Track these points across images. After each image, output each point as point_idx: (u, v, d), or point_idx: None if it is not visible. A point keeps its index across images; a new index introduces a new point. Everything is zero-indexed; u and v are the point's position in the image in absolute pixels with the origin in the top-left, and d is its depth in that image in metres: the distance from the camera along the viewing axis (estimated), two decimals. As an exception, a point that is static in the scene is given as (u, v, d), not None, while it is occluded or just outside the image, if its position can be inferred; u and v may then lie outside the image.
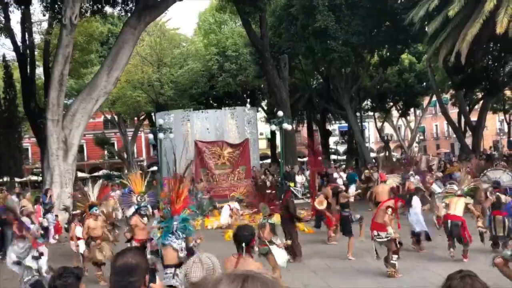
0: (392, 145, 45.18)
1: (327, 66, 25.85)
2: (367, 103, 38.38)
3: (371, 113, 42.15)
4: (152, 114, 32.50)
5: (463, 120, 30.01)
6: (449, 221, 8.94)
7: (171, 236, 6.05)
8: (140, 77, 30.85)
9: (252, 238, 4.11)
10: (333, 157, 41.77)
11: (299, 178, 21.00)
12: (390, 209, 8.01)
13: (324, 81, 32.13)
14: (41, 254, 7.42)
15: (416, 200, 10.29)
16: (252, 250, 4.16)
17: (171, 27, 33.32)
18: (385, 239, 8.07)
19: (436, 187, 11.93)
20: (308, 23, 23.45)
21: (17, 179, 26.19)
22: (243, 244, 3.95)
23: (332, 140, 45.56)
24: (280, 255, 7.31)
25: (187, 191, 6.65)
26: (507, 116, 36.61)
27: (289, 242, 8.31)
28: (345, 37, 23.16)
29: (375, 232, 8.19)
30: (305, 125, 39.95)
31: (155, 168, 37.08)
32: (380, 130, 43.69)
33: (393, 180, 12.33)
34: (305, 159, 35.38)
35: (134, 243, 7.60)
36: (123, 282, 2.33)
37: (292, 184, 20.90)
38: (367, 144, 35.20)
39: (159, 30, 31.50)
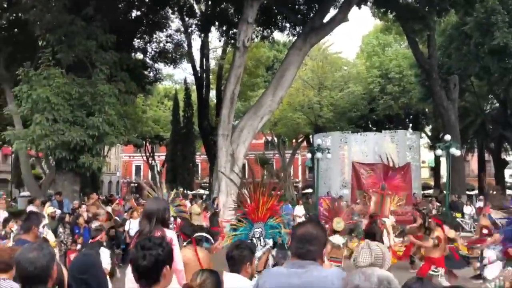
0: None
1: (504, 87, 23.27)
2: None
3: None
4: (310, 136, 33.16)
5: None
6: None
7: None
8: (301, 99, 31.85)
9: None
10: (509, 192, 36.96)
11: (468, 209, 19.03)
12: None
13: (500, 105, 28.96)
14: None
15: None
16: None
17: (333, 51, 33.83)
18: None
19: None
20: (483, 41, 21.53)
21: (188, 192, 29.18)
22: None
23: (508, 172, 40.44)
24: None
25: (276, 200, 6.17)
26: None
27: None
28: (528, 55, 20.65)
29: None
30: (476, 154, 36.28)
31: (309, 190, 37.57)
32: None
33: None
34: (474, 192, 32.04)
35: None
36: (303, 250, 2.36)
37: (459, 215, 19.09)
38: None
39: (321, 54, 32.24)
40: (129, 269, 3.24)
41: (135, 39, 21.23)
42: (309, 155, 22.04)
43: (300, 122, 32.53)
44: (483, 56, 22.01)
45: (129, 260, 2.52)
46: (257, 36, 20.47)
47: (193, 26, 23.80)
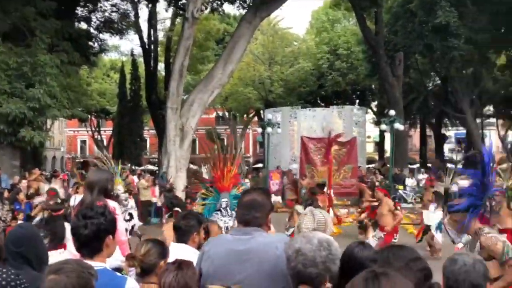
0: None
1: (446, 65, 24.24)
2: (490, 108, 35.28)
3: (493, 120, 38.67)
4: (261, 111, 33.31)
5: None
6: None
7: (218, 213, 5.80)
8: (251, 74, 31.79)
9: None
10: (448, 165, 39.06)
11: (410, 181, 19.95)
12: None
13: (441, 82, 30.23)
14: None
15: None
16: None
17: (284, 26, 33.85)
18: None
19: None
20: (427, 20, 22.23)
21: (136, 167, 28.58)
22: None
23: (447, 147, 42.64)
24: None
25: (236, 170, 6.27)
26: None
27: None
28: (468, 34, 21.56)
29: None
30: (418, 129, 37.91)
31: (260, 165, 37.94)
32: (503, 139, 39.85)
33: None
34: (416, 165, 33.59)
35: None
36: (248, 216, 2.37)
37: (401, 187, 19.99)
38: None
39: (272, 28, 32.16)
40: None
41: (78, 8, 20.19)
42: (260, 130, 22.11)
43: (251, 97, 32.55)
44: (427, 34, 22.75)
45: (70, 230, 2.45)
46: (206, 8, 20.03)
47: (140, -5, 22.94)
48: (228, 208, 5.57)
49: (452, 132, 43.42)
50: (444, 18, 21.24)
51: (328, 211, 11.68)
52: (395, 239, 8.78)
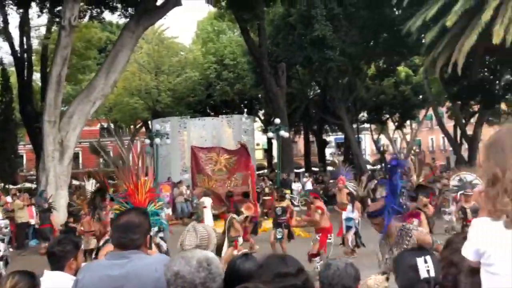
0: (388, 157, 45.17)
1: (324, 76, 25.98)
2: (364, 114, 38.49)
3: (367, 125, 42.23)
4: (149, 122, 32.48)
5: (459, 133, 30.12)
6: None
7: None
8: (137, 84, 30.89)
9: None
10: (329, 168, 41.75)
11: (296, 186, 20.92)
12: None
13: (321, 91, 32.25)
14: None
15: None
16: None
17: (169, 35, 33.47)
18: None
19: None
20: (306, 33, 23.59)
21: (11, 186, 25.87)
22: None
23: (328, 151, 45.55)
24: None
25: (150, 185, 6.15)
26: (503, 129, 36.74)
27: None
28: (342, 46, 23.33)
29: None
30: (302, 136, 39.99)
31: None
32: (376, 142, 43.75)
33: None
34: (302, 170, 35.36)
35: None
36: (125, 239, 2.28)
37: (288, 191, 20.86)
38: (363, 156, 35.24)
39: (157, 38, 31.63)
40: None
41: None
42: (148, 141, 21.53)
43: (138, 107, 31.60)
44: (306, 46, 24.12)
45: None
46: (84, 16, 19.02)
47: (9, -1, 20.97)
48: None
49: (332, 137, 46.59)
50: (320, 32, 22.72)
51: (255, 219, 11.90)
52: (329, 239, 9.13)
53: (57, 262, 3.15)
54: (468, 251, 1.70)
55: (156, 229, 5.62)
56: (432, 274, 2.25)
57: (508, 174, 1.58)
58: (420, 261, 2.28)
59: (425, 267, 2.26)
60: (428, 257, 2.30)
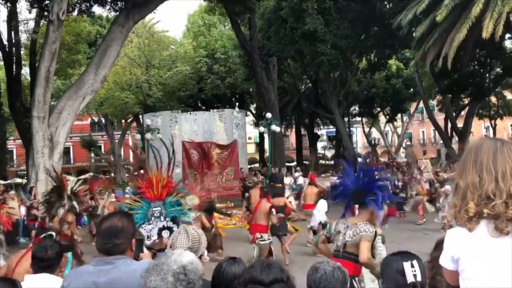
0: (379, 150, 45.45)
1: (315, 69, 25.94)
2: (355, 108, 38.61)
3: (358, 118, 42.38)
4: (140, 116, 32.30)
5: (449, 126, 30.31)
6: None
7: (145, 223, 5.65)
8: (128, 78, 30.66)
9: None
10: (321, 162, 41.88)
11: (287, 180, 20.96)
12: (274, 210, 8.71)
13: (312, 85, 32.24)
14: None
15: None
16: None
17: (160, 29, 33.22)
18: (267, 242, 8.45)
19: None
20: (297, 26, 23.51)
21: (1, 182, 25.61)
22: None
23: (320, 145, 45.69)
24: None
25: (168, 179, 6.19)
26: (493, 122, 37.07)
27: None
28: (333, 40, 23.29)
29: (258, 234, 8.53)
30: (294, 129, 40.03)
31: (141, 171, 36.73)
32: (367, 136, 43.94)
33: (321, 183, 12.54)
34: (293, 163, 35.43)
35: None
36: (108, 244, 2.26)
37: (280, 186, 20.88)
38: (354, 149, 35.34)
39: (147, 31, 31.38)
40: None
41: None
42: (138, 136, 21.42)
43: (129, 101, 31.38)
44: (297, 40, 24.07)
45: None
46: (73, 10, 18.76)
47: (-4, -7, 20.62)
48: (162, 217, 5.33)
49: (324, 131, 46.72)
50: (312, 25, 22.65)
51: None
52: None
53: (48, 266, 3.14)
54: (445, 260, 1.81)
55: (186, 218, 5.60)
56: (419, 278, 2.24)
57: (461, 183, 1.76)
58: (407, 265, 2.28)
59: (412, 271, 2.25)
60: (415, 262, 2.30)
